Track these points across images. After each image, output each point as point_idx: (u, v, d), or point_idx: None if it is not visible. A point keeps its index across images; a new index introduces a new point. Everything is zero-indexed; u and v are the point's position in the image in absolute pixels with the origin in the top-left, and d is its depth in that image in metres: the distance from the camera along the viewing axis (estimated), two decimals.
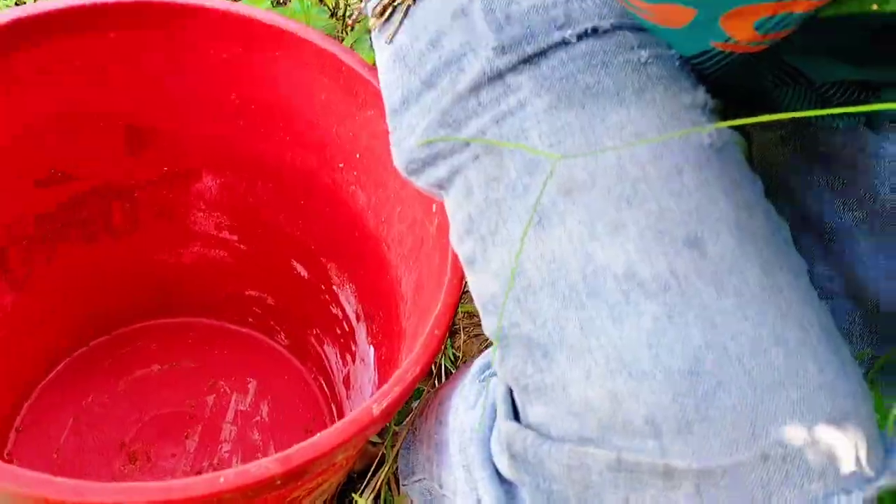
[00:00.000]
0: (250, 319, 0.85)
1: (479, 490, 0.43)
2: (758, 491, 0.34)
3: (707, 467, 0.34)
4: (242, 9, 0.64)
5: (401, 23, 0.49)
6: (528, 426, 0.40)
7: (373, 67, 0.62)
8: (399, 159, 0.49)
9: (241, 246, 0.79)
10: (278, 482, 0.44)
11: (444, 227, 0.56)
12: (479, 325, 0.92)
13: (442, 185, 0.47)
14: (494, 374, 0.44)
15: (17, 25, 0.60)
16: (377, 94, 0.57)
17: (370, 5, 0.51)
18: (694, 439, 0.34)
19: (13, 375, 0.76)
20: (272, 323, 0.84)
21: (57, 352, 0.80)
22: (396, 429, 0.76)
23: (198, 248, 0.80)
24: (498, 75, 0.43)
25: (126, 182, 0.74)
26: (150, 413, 0.79)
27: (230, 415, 0.80)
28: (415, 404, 0.70)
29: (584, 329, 0.37)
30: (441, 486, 0.53)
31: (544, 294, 0.39)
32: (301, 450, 0.44)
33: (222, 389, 0.82)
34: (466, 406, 0.50)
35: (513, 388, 0.42)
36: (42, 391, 0.78)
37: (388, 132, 0.50)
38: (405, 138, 0.48)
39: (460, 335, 0.90)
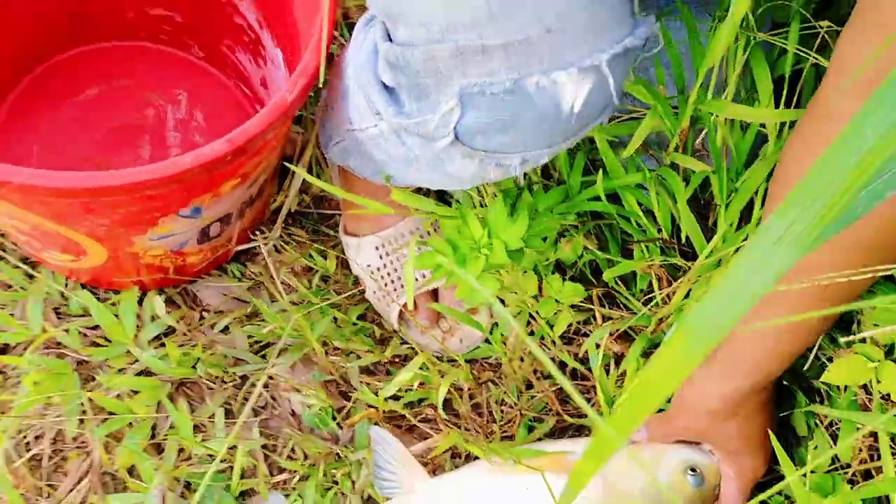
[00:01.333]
0: (163, 37, 0.95)
1: (375, 103, 0.63)
2: (546, 55, 0.53)
3: (508, 42, 0.52)
4: None
5: None
6: (398, 44, 0.58)
7: None
8: None
9: None
10: (229, 158, 0.59)
11: None
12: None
13: None
14: (374, 18, 0.61)
15: None
16: None
17: None
18: (499, 25, 0.52)
19: None
20: (184, 38, 0.94)
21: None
22: (312, 116, 0.91)
23: None
24: None
25: None
26: (101, 130, 0.91)
27: (170, 123, 0.94)
28: (324, 93, 0.84)
29: None
30: (351, 124, 0.70)
31: None
32: (241, 132, 0.59)
33: (157, 103, 0.94)
34: (356, 48, 0.67)
35: (385, 22, 0.58)
36: None
37: None
38: None
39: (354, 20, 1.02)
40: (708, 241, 0.73)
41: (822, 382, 0.64)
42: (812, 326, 0.61)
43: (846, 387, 0.64)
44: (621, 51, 0.55)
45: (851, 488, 0.63)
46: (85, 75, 0.93)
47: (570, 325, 0.85)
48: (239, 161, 0.63)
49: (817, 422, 0.72)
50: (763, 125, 0.70)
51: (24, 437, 0.86)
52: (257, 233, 0.93)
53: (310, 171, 0.92)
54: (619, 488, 0.70)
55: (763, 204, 0.69)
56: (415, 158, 0.65)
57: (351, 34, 0.71)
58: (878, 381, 0.56)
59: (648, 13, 0.59)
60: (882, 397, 0.61)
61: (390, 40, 0.59)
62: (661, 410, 0.76)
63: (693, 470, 0.70)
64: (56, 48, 0.92)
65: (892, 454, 0.62)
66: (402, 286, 0.88)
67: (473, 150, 0.59)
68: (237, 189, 0.72)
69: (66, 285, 0.89)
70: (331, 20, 0.63)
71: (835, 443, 0.70)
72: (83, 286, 0.88)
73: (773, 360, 0.63)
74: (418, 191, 0.79)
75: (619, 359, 0.84)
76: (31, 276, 0.90)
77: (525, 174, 0.79)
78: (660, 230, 0.78)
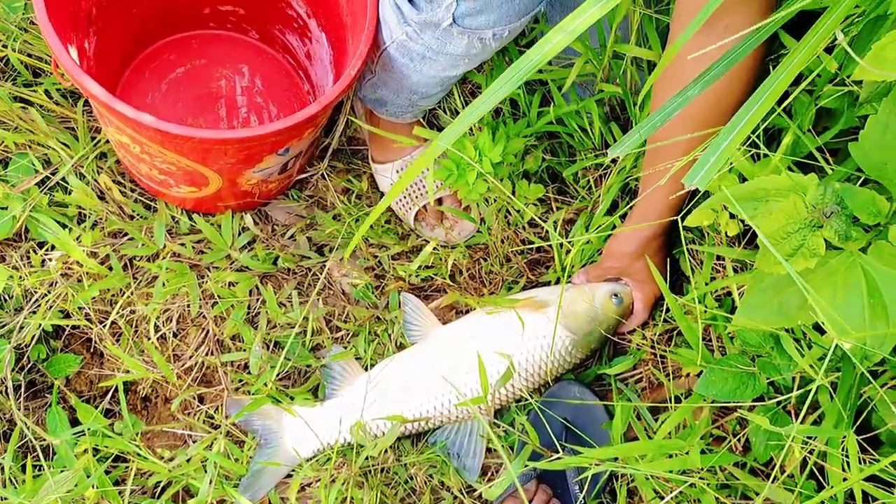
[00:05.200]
0: (228, 25, 1.29)
1: (403, 11, 0.97)
2: None
3: None
4: None
5: None
6: None
7: None
8: None
9: None
10: (319, 114, 0.95)
11: None
12: None
13: None
14: None
15: None
16: None
17: None
18: None
19: None
20: (245, 26, 1.29)
21: (114, 75, 1.24)
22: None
23: None
24: None
25: None
26: (189, 97, 1.26)
27: (238, 90, 1.29)
28: None
29: None
30: (384, 43, 1.03)
31: None
32: (325, 97, 0.95)
33: (227, 74, 1.29)
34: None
35: None
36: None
37: None
38: None
39: None
40: None
41: (685, 227, 1.03)
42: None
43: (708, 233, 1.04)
44: None
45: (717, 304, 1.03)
46: (174, 57, 1.27)
47: (535, 215, 1.24)
48: (320, 116, 0.99)
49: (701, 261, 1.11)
50: (652, 62, 1.08)
51: (158, 318, 1.22)
52: (308, 167, 1.29)
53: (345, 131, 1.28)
54: (571, 310, 1.10)
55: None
56: (427, 50, 1.00)
57: None
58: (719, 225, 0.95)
59: None
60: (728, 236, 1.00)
61: None
62: (592, 261, 1.16)
63: (615, 295, 1.10)
64: (151, 38, 1.26)
65: (735, 272, 1.02)
66: (416, 196, 1.26)
67: (464, 28, 0.95)
68: (311, 134, 1.08)
69: (177, 213, 1.24)
70: (373, 11, 0.99)
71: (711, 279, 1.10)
72: (187, 213, 1.24)
73: (666, 210, 1.01)
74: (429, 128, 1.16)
75: (567, 234, 1.23)
76: (149, 208, 1.25)
77: (500, 111, 1.16)
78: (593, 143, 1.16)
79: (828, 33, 0.68)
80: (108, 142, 1.22)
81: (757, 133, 0.84)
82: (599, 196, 1.17)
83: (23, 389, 1.16)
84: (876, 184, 0.73)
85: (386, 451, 1.14)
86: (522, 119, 1.17)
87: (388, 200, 0.78)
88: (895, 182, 0.71)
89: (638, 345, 1.13)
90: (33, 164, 1.20)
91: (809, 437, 0.83)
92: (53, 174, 1.20)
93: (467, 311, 1.23)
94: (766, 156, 0.83)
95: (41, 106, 1.21)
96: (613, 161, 1.16)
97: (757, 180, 0.74)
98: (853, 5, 0.67)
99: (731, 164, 0.85)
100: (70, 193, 1.20)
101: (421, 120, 1.25)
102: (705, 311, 1.02)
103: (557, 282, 1.21)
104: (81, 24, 1.08)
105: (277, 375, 1.18)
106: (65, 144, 1.20)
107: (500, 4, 0.91)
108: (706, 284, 1.05)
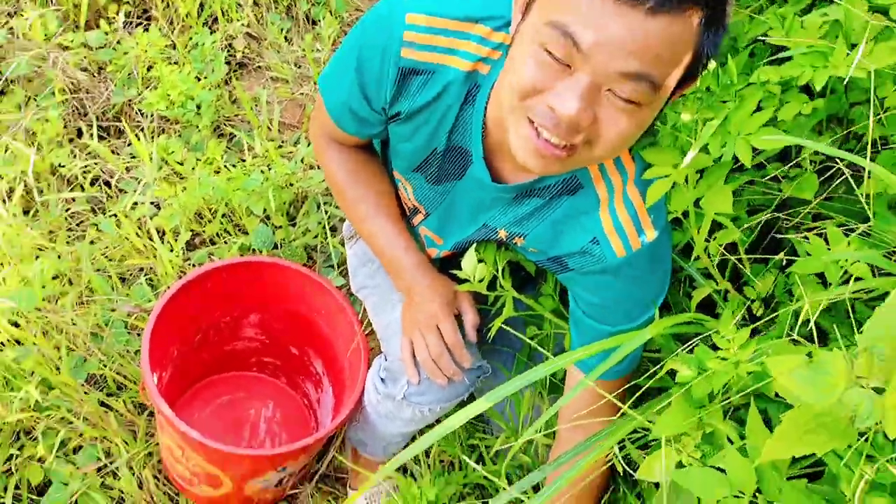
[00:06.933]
0: (267, 371, 1.76)
1: (378, 387, 1.40)
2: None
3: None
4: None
5: None
6: (385, 367, 1.38)
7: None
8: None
9: (267, 340, 1.70)
10: (316, 442, 1.36)
11: (358, 346, 1.48)
12: None
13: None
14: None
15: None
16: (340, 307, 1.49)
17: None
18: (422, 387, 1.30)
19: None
20: (278, 373, 1.75)
21: (177, 396, 1.68)
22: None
23: (243, 342, 1.70)
24: None
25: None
26: (228, 420, 1.68)
27: (262, 419, 1.71)
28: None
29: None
30: (367, 405, 1.45)
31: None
32: (323, 431, 1.36)
33: (257, 406, 1.72)
34: (373, 370, 1.45)
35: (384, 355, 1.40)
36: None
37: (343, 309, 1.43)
38: None
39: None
40: None
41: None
42: None
43: None
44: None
45: None
46: (221, 389, 1.73)
47: None
48: (313, 447, 1.39)
49: None
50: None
51: None
52: (299, 485, 1.66)
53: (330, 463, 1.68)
54: None
55: None
56: (389, 412, 1.41)
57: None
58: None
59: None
60: None
61: (385, 360, 1.39)
62: None
63: None
64: (209, 373, 1.73)
65: None
66: None
67: (410, 402, 1.36)
68: (305, 458, 1.47)
69: None
70: (363, 378, 1.44)
71: None
72: None
73: None
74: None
75: None
76: (173, 500, 1.61)
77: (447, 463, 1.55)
78: None
79: None
80: (157, 444, 1.63)
81: None
82: None
83: None
84: None
85: None
86: (460, 472, 1.56)
87: None
88: None
89: None
90: (98, 454, 1.59)
91: None
92: (110, 463, 1.59)
93: None
94: None
95: (117, 411, 1.64)
96: None
97: None
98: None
99: None
100: (118, 479, 1.58)
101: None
102: None
103: None
104: (166, 360, 1.55)
105: None
106: (125, 442, 1.61)
107: (435, 391, 1.35)
108: None
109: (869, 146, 1.04)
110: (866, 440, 0.84)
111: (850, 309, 1.10)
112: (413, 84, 1.07)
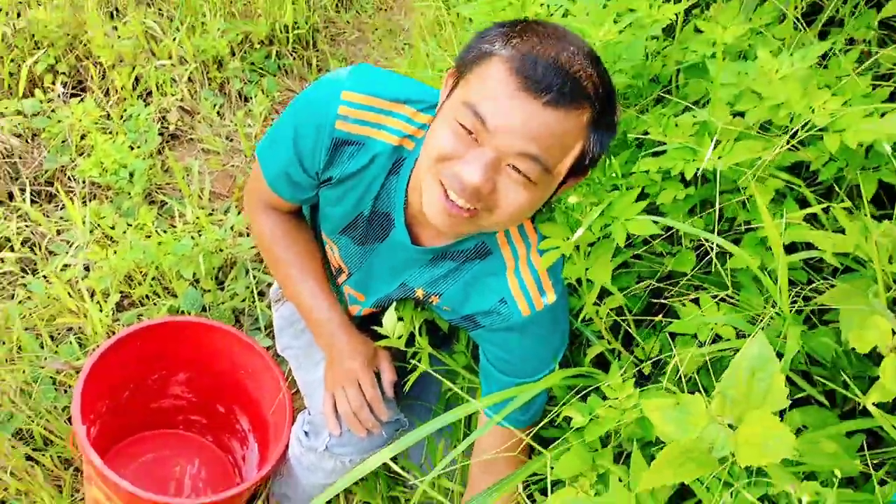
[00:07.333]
0: (193, 430, 1.82)
1: (301, 440, 1.51)
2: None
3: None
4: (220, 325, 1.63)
5: None
6: (308, 420, 1.49)
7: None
8: None
9: (194, 399, 1.77)
10: (243, 493, 1.44)
11: (283, 403, 1.58)
12: None
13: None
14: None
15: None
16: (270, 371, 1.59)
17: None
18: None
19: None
20: (205, 431, 1.82)
21: (104, 451, 1.73)
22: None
23: (171, 400, 1.77)
24: None
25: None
26: (154, 476, 1.74)
27: (187, 475, 1.77)
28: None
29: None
30: (292, 457, 1.54)
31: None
32: (248, 484, 1.45)
33: (182, 464, 1.78)
34: (297, 423, 1.55)
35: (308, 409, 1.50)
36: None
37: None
38: None
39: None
40: None
41: None
42: None
43: None
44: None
45: None
46: (147, 446, 1.78)
47: None
48: (242, 496, 1.47)
49: None
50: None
51: None
52: None
53: None
54: None
55: None
56: (311, 464, 1.50)
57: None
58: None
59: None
60: None
61: (309, 414, 1.50)
62: None
63: None
64: (135, 430, 1.78)
65: None
66: None
67: (332, 454, 1.46)
68: None
69: None
70: (287, 436, 1.53)
71: None
72: None
73: None
74: None
75: None
76: None
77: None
78: None
79: None
80: (82, 499, 1.66)
81: None
82: None
83: None
84: None
85: None
86: None
87: None
88: None
89: None
90: None
91: None
92: None
93: None
94: None
95: (43, 465, 1.67)
96: None
97: None
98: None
99: None
100: None
101: None
102: None
103: None
104: (94, 416, 1.61)
105: None
106: (51, 496, 1.64)
107: (355, 443, 1.46)
108: None
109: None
110: (727, 471, 1.00)
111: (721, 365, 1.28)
112: (345, 153, 1.22)
